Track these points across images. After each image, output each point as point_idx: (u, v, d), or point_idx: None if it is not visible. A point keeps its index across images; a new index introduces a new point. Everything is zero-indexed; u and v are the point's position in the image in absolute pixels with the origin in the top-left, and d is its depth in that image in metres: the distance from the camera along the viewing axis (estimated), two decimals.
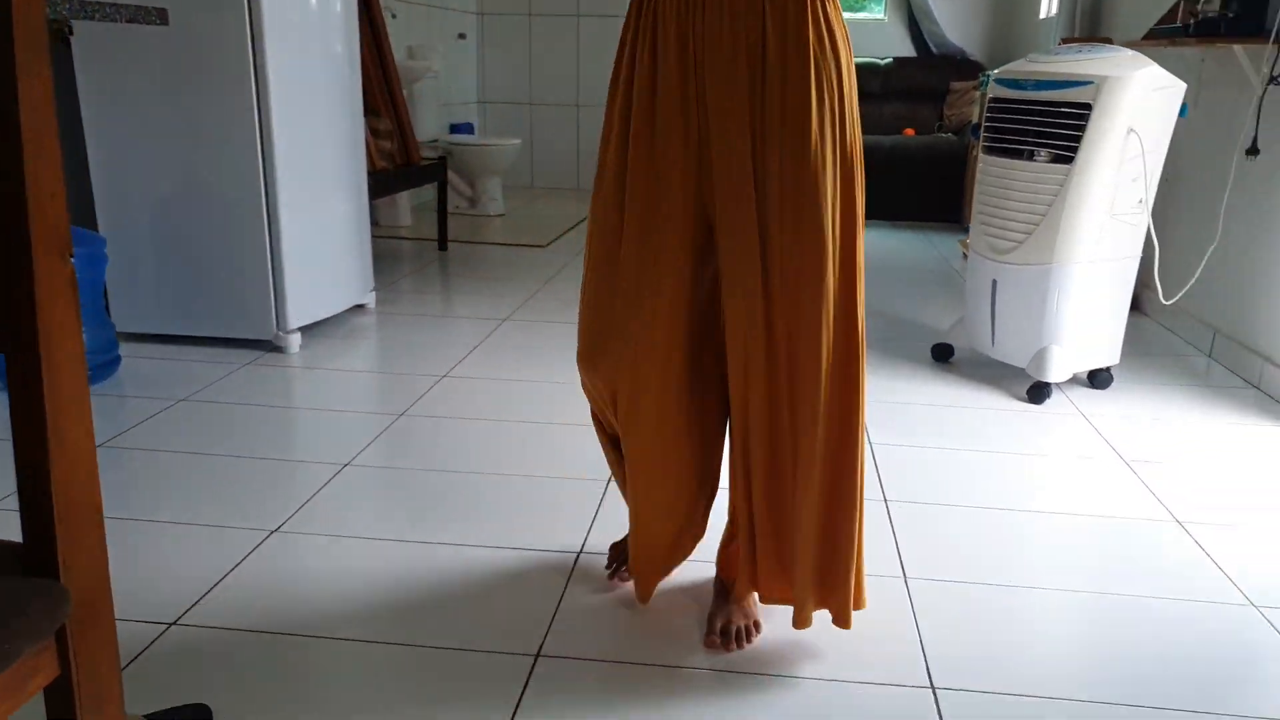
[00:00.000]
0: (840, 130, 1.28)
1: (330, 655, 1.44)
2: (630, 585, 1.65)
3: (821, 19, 1.25)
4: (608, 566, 1.69)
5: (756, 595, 1.52)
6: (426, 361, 2.93)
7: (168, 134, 2.86)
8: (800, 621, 1.42)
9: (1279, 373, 2.71)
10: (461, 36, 6.19)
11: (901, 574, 1.72)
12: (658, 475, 1.45)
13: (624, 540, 1.70)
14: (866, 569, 1.72)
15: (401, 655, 1.44)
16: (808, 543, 1.37)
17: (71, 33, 2.85)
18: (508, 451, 2.24)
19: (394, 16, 4.85)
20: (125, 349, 2.96)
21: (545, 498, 2.00)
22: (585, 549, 1.78)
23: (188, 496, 1.97)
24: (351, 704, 1.32)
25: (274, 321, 2.96)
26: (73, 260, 0.76)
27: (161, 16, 2.39)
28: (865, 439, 1.76)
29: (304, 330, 3.09)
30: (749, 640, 1.49)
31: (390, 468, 2.13)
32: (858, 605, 1.44)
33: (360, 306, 3.47)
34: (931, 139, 5.79)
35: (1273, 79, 2.84)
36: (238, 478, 2.06)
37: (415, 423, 2.41)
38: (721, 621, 1.49)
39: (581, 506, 1.96)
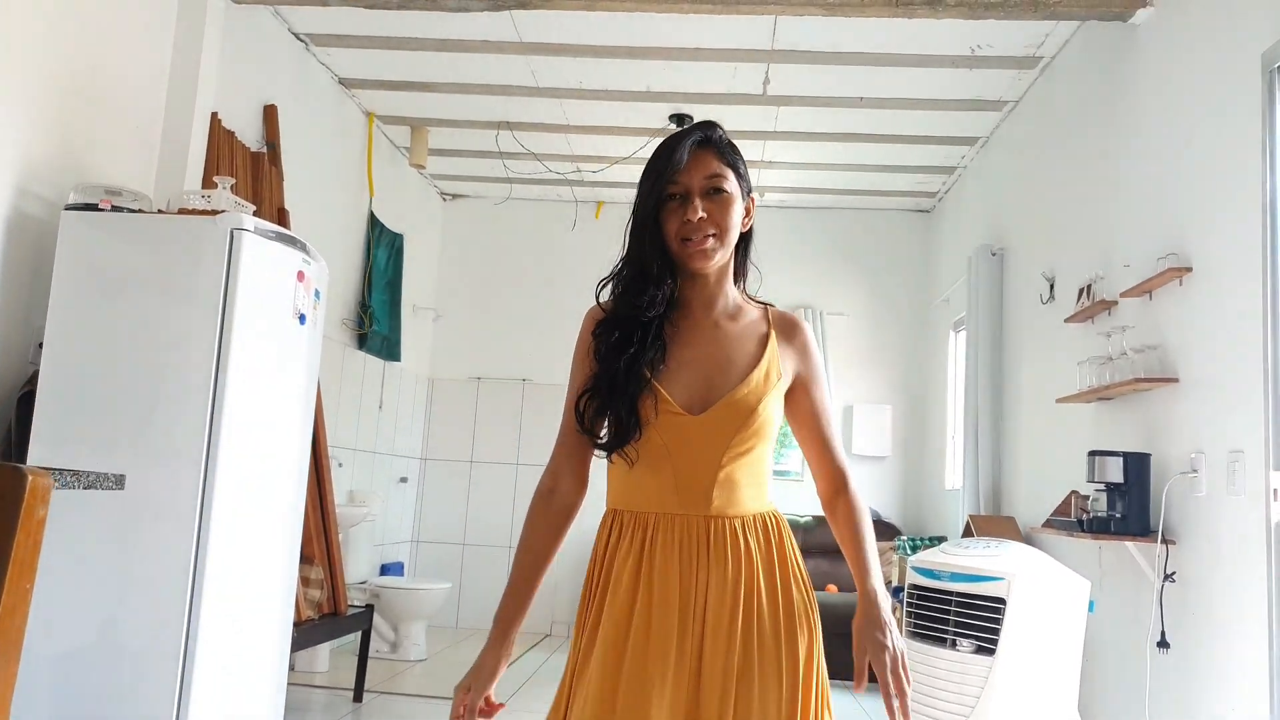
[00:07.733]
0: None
1: None
2: None
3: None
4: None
5: None
6: None
7: (96, 585, 2.80)
8: None
9: None
10: (403, 480, 6.41)
11: None
12: None
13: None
14: None
15: None
16: None
17: None
18: None
19: (340, 465, 5.05)
20: None
21: None
22: None
23: None
24: None
25: None
26: None
27: (119, 481, 2.46)
28: None
29: None
30: None
31: None
32: None
33: None
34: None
35: (1167, 576, 3.04)
36: None
37: None
38: None
39: None
